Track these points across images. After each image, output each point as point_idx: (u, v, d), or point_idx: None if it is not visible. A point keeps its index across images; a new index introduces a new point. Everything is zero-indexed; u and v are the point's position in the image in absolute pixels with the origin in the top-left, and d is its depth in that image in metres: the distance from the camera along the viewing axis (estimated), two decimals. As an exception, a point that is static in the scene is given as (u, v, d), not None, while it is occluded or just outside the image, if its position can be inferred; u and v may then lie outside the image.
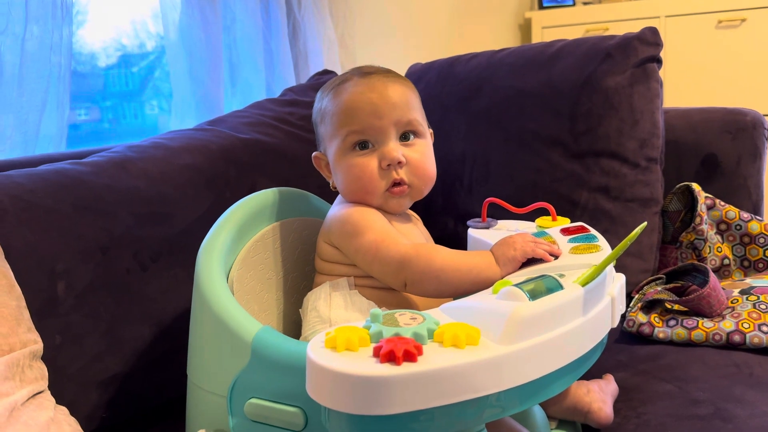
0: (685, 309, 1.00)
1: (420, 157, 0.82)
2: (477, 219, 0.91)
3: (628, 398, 0.85)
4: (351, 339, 0.52)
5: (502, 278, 0.69)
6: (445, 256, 0.73)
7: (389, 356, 0.49)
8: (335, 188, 0.86)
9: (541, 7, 2.94)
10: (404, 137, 0.82)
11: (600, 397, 0.80)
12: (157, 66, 1.66)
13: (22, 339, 0.72)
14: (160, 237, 0.96)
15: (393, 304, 0.79)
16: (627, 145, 1.18)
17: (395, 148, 0.80)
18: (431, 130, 0.88)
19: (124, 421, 0.91)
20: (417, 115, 0.83)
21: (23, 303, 0.75)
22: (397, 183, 0.81)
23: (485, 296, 0.60)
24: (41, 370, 0.73)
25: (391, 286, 0.77)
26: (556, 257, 0.71)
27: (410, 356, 0.50)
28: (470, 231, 0.89)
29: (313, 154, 0.88)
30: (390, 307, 0.78)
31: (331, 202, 0.97)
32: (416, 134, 0.83)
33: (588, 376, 0.82)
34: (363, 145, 0.81)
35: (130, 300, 0.91)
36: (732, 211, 1.18)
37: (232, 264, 0.81)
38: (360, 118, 0.80)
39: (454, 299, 0.65)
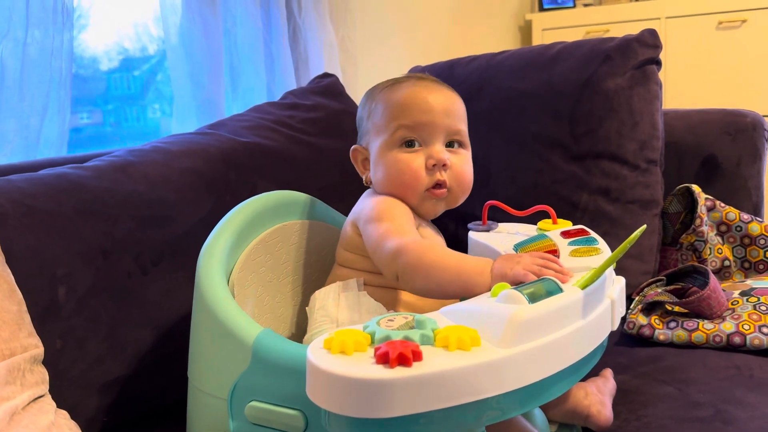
0: (686, 311, 1.00)
1: (463, 165, 0.84)
2: (478, 222, 0.92)
3: (629, 400, 0.85)
4: (351, 342, 0.52)
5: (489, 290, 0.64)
6: (438, 254, 0.70)
7: (389, 359, 0.49)
8: (369, 183, 0.87)
9: (542, 9, 2.94)
10: (449, 144, 0.83)
11: (598, 399, 0.80)
12: (159, 69, 1.67)
13: (23, 343, 0.72)
14: (161, 240, 0.96)
15: (401, 305, 0.79)
16: (627, 147, 1.18)
17: (442, 150, 0.81)
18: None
19: (125, 425, 0.91)
20: (465, 126, 0.85)
21: (24, 307, 0.75)
22: (439, 184, 0.82)
23: (485, 299, 0.61)
24: (42, 375, 0.73)
25: (388, 279, 0.75)
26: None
27: (410, 359, 0.50)
28: (471, 234, 0.89)
29: (353, 147, 0.88)
30: (397, 309, 0.78)
31: (332, 205, 0.97)
32: (461, 144, 0.85)
33: (587, 375, 0.82)
34: (410, 144, 0.82)
35: (131, 303, 0.91)
36: (732, 213, 1.18)
37: (232, 267, 0.81)
38: (413, 114, 0.81)
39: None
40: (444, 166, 0.81)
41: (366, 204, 0.83)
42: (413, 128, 0.81)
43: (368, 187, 0.89)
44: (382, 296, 0.80)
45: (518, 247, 0.80)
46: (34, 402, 0.70)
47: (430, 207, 0.84)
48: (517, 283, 0.62)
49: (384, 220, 0.77)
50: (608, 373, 0.87)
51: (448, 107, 0.82)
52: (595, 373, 0.86)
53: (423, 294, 0.73)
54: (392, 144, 0.82)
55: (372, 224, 0.78)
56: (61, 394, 0.78)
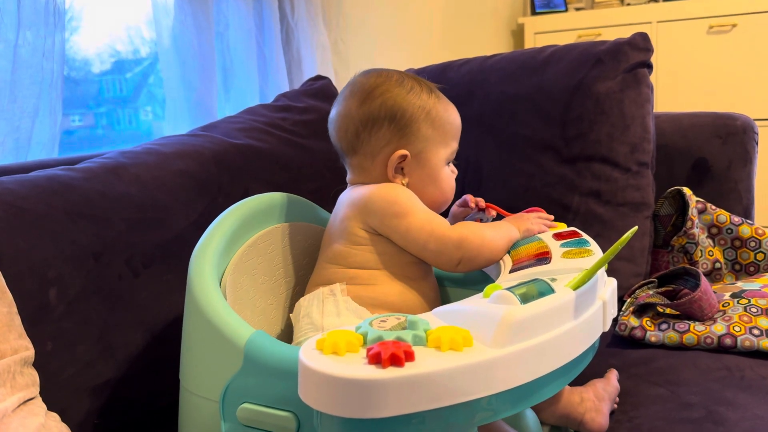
0: (677, 312, 1.01)
1: None
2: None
3: (621, 402, 0.85)
4: (343, 342, 0.52)
5: None
6: (489, 232, 0.79)
7: (381, 359, 0.49)
8: (404, 184, 0.83)
9: (534, 12, 2.95)
10: None
11: (593, 405, 0.79)
12: (151, 72, 1.66)
13: (13, 345, 0.71)
14: (153, 243, 0.95)
15: (385, 308, 0.79)
16: (618, 150, 1.19)
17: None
18: None
19: (116, 428, 0.91)
20: None
21: (14, 309, 0.75)
22: None
23: (477, 300, 0.61)
24: (32, 377, 0.73)
25: (440, 266, 0.81)
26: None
27: (403, 359, 0.50)
28: None
29: (402, 152, 0.82)
30: (382, 312, 0.78)
31: (324, 207, 0.97)
32: None
33: (587, 377, 0.81)
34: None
35: (122, 306, 0.91)
36: (723, 215, 1.19)
37: (225, 269, 0.81)
38: (458, 138, 0.87)
39: None
40: None
41: (380, 199, 0.80)
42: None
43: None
44: (364, 300, 0.79)
45: (511, 249, 0.80)
46: (24, 404, 0.69)
47: None
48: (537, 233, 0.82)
49: (415, 212, 0.80)
50: (612, 374, 0.87)
51: None
52: (596, 374, 0.86)
53: (482, 267, 0.82)
54: (446, 161, 0.86)
55: (405, 219, 0.79)
56: (52, 396, 0.78)
